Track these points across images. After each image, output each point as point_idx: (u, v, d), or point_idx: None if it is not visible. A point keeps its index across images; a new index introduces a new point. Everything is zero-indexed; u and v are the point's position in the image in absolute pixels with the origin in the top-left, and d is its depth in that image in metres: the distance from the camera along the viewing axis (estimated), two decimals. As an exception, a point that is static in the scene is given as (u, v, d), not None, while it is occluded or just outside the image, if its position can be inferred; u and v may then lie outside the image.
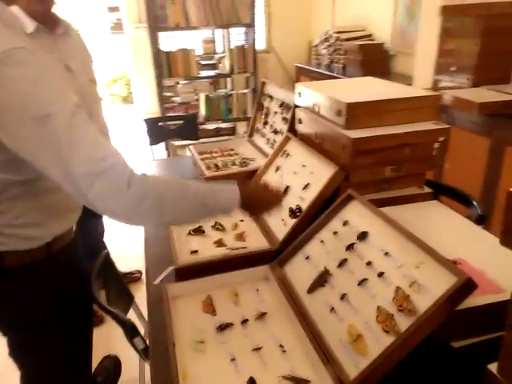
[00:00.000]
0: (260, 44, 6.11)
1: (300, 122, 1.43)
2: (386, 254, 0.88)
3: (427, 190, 1.25)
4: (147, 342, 0.99)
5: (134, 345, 0.99)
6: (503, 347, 0.59)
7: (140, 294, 1.42)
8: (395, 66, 4.28)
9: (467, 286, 0.70)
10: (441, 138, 1.13)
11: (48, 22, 1.66)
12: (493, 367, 0.61)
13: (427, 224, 1.06)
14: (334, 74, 4.47)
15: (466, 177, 2.52)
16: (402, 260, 0.84)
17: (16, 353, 1.09)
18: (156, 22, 3.32)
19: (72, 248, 1.12)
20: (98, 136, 0.80)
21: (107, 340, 1.90)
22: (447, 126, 1.12)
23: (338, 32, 4.67)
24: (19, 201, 0.94)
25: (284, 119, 1.64)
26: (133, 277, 2.37)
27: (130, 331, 0.97)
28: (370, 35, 4.60)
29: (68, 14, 10.05)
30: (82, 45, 1.86)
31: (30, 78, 0.77)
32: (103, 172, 0.76)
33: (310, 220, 1.13)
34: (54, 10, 1.78)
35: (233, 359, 0.83)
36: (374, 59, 4.14)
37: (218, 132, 4.33)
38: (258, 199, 1.02)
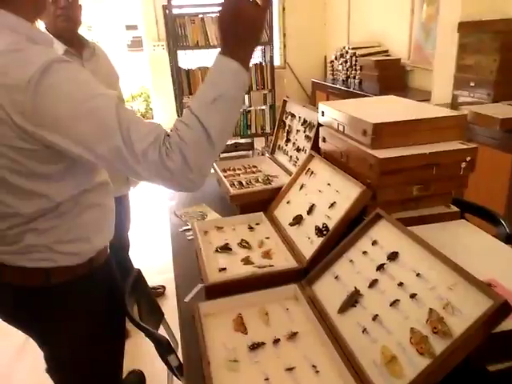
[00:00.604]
0: (276, 60, 6.20)
1: (324, 140, 1.46)
2: (418, 274, 0.88)
3: (454, 209, 1.25)
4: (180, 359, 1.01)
5: (167, 362, 1.01)
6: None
7: (165, 309, 1.44)
8: (412, 81, 4.29)
9: (503, 309, 0.70)
10: (468, 158, 1.13)
11: (76, 45, 1.76)
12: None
13: (456, 244, 1.06)
14: (351, 90, 4.50)
15: (489, 193, 2.50)
16: (434, 281, 0.84)
17: (53, 369, 1.12)
18: (176, 41, 3.41)
19: (109, 263, 1.15)
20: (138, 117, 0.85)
21: (132, 355, 1.92)
22: (474, 146, 1.13)
23: (354, 48, 4.70)
24: (67, 217, 0.97)
25: (307, 137, 1.66)
26: (157, 292, 2.40)
27: (166, 349, 0.99)
28: (386, 51, 4.63)
29: (88, 33, 10.36)
30: (108, 64, 1.95)
31: (71, 78, 0.82)
32: (155, 141, 0.81)
33: (337, 239, 1.15)
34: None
35: (266, 379, 0.84)
36: (390, 74, 4.16)
37: (236, 147, 4.38)
38: (248, 29, 0.86)
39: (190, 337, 0.96)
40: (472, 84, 3.00)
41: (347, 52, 4.81)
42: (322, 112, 1.48)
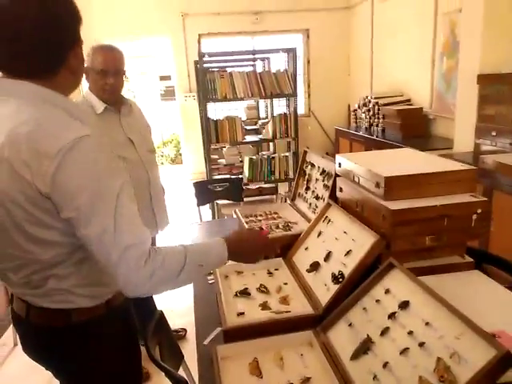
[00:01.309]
0: (300, 109, 6.42)
1: (341, 190, 1.53)
2: (427, 323, 0.91)
3: (468, 259, 1.28)
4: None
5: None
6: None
7: (185, 351, 1.48)
8: (435, 129, 4.36)
9: (506, 359, 0.73)
10: (479, 210, 1.17)
11: (115, 103, 1.97)
12: None
13: (467, 294, 1.08)
14: (374, 137, 4.60)
15: (515, 242, 2.47)
16: (442, 331, 0.87)
17: None
18: (206, 94, 3.63)
19: (127, 304, 1.22)
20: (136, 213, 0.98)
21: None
22: (484, 199, 1.17)
23: (377, 97, 4.85)
24: (86, 263, 1.05)
25: (325, 186, 1.74)
26: (178, 335, 2.43)
27: (183, 389, 1.04)
28: (408, 100, 4.75)
29: (124, 83, 11.06)
30: (142, 119, 2.16)
31: (91, 169, 0.93)
32: (133, 246, 0.93)
33: (352, 286, 1.19)
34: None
35: (279, 423, 0.87)
36: (413, 123, 4.25)
37: (260, 192, 4.49)
38: (246, 248, 1.16)
39: (208, 378, 1.00)
40: (494, 133, 3.04)
41: (370, 101, 4.96)
42: (339, 163, 1.56)
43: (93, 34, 6.06)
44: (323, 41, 6.37)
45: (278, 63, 4.43)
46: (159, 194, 2.17)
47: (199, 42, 6.29)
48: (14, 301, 1.16)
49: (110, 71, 1.92)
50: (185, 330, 2.51)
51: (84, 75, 1.77)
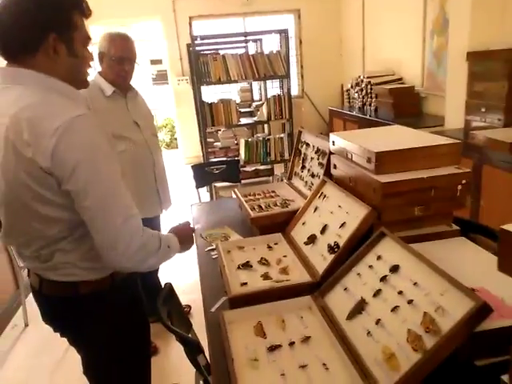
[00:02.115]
0: (293, 90, 6.45)
1: (335, 167, 1.61)
2: (415, 283, 1.01)
3: (455, 227, 1.37)
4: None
5: (196, 362, 1.14)
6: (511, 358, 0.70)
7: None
8: (427, 107, 4.43)
9: (483, 309, 0.82)
10: (463, 181, 1.26)
11: (122, 88, 2.09)
12: (505, 377, 0.72)
13: (453, 257, 1.18)
14: (367, 117, 4.66)
15: (503, 214, 2.57)
16: (428, 289, 0.97)
17: (87, 371, 1.32)
18: (199, 77, 3.67)
19: (132, 278, 1.32)
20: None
21: (160, 371, 2.05)
22: (468, 170, 1.26)
23: (369, 77, 4.89)
24: (85, 239, 1.13)
25: (320, 164, 1.82)
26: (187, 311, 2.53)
27: (195, 349, 1.13)
28: (400, 79, 4.80)
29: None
30: (145, 105, 2.30)
31: (87, 144, 1.02)
32: (135, 215, 1.09)
33: (347, 255, 1.28)
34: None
35: (282, 374, 0.97)
36: (404, 101, 4.32)
37: (256, 173, 4.56)
38: (185, 238, 1.33)
39: (216, 341, 1.10)
40: (483, 109, 3.11)
41: (362, 81, 5.01)
42: (333, 141, 1.63)
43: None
44: (314, 21, 6.36)
45: (271, 44, 4.45)
46: (163, 175, 2.28)
47: (190, 25, 6.26)
48: (30, 275, 1.25)
49: (126, 58, 2.03)
50: (189, 306, 2.61)
51: (98, 59, 1.98)
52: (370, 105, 4.83)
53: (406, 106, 4.31)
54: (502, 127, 2.93)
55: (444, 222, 1.37)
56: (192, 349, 1.13)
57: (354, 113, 5.03)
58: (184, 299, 2.60)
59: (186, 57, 5.48)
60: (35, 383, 2.17)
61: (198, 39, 4.04)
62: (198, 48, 4.04)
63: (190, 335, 1.37)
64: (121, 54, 2.02)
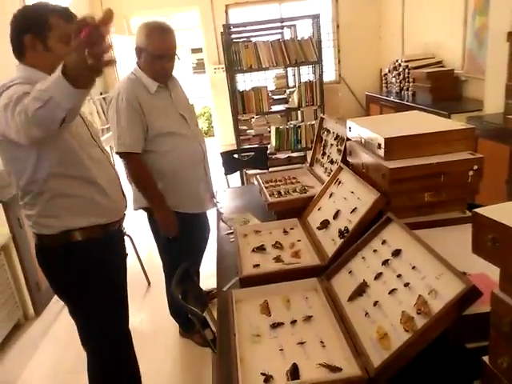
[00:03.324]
0: (330, 75, 6.36)
1: (350, 153, 1.62)
2: (414, 267, 1.02)
3: (468, 214, 1.35)
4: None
5: (205, 335, 1.22)
6: (490, 341, 0.72)
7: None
8: (467, 91, 4.25)
9: (472, 292, 0.83)
10: (475, 167, 1.24)
11: (163, 81, 2.03)
12: (486, 358, 0.74)
13: (460, 243, 1.17)
14: (404, 102, 4.54)
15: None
16: (425, 272, 0.98)
17: (71, 311, 1.60)
18: (232, 66, 3.72)
19: (120, 235, 1.65)
20: None
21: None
22: (480, 156, 1.23)
23: (408, 60, 4.75)
24: (42, 198, 1.42)
25: (339, 151, 1.83)
26: (213, 294, 2.55)
27: (202, 323, 1.21)
28: (440, 61, 4.62)
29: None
30: (183, 92, 2.18)
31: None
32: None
33: (355, 239, 1.30)
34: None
35: (281, 349, 1.02)
36: (443, 85, 4.16)
37: (289, 160, 4.58)
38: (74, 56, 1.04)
39: (223, 317, 1.17)
40: (524, 92, 2.96)
41: (400, 65, 4.86)
42: (350, 128, 1.64)
43: (122, 10, 6.23)
44: (352, 4, 6.21)
45: (306, 30, 4.41)
46: (210, 167, 2.22)
47: (227, 13, 6.30)
48: None
49: (166, 56, 1.90)
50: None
51: (135, 53, 1.97)
52: (408, 89, 4.69)
53: (444, 90, 4.16)
54: (544, 111, 2.78)
55: (457, 208, 1.36)
56: (200, 323, 1.21)
57: (392, 98, 4.91)
58: (210, 282, 2.73)
59: (221, 45, 5.54)
60: (72, 357, 2.35)
61: (231, 27, 4.09)
62: (233, 36, 4.09)
63: (205, 313, 1.46)
64: (160, 52, 1.87)
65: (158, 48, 1.89)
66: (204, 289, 2.40)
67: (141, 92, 1.94)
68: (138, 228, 2.49)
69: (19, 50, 1.40)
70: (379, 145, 1.32)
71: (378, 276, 1.10)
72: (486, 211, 0.63)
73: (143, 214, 2.18)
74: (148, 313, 2.67)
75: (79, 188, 1.46)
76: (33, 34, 1.36)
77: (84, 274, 1.52)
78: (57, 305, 2.88)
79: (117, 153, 1.98)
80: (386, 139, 1.27)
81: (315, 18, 3.84)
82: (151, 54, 1.89)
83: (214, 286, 2.68)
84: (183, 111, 2.04)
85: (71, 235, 1.47)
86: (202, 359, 2.22)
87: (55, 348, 2.49)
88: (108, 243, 1.57)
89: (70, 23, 1.38)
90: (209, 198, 2.17)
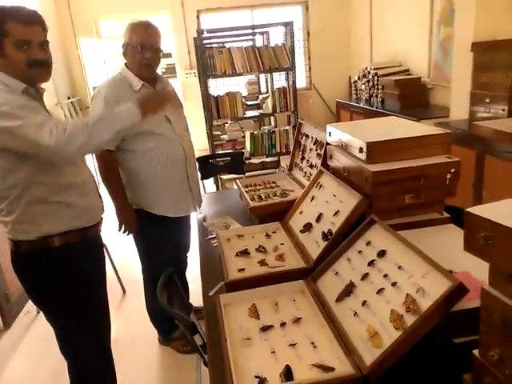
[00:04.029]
0: (301, 82, 6.45)
1: (331, 157, 1.65)
2: (400, 267, 1.05)
3: (446, 215, 1.41)
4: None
5: (194, 341, 1.21)
6: (480, 335, 0.75)
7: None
8: (433, 98, 4.41)
9: (459, 289, 0.87)
10: (452, 170, 1.30)
11: (150, 80, 2.01)
12: (476, 352, 0.77)
13: (441, 243, 1.22)
14: (374, 108, 4.67)
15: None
16: (411, 271, 1.02)
17: (52, 319, 1.56)
18: (205, 71, 3.71)
19: (98, 240, 1.64)
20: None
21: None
22: (457, 160, 1.29)
23: (376, 68, 4.89)
24: (19, 205, 1.39)
25: (318, 155, 1.86)
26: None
27: (191, 329, 1.20)
28: (407, 70, 4.78)
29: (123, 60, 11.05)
30: (177, 97, 2.17)
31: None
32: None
33: (339, 241, 1.32)
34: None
35: (273, 352, 1.03)
36: (411, 93, 4.31)
37: (263, 165, 4.60)
38: (151, 101, 1.55)
39: (213, 322, 1.16)
40: (487, 100, 3.11)
41: (369, 72, 5.00)
42: (329, 133, 1.68)
43: (91, 13, 6.11)
44: (322, 12, 6.34)
45: (278, 37, 4.47)
46: (195, 172, 2.19)
47: (198, 18, 6.29)
48: None
49: (147, 46, 1.94)
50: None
51: (122, 52, 2.00)
52: (377, 96, 4.83)
53: (412, 97, 4.30)
54: (506, 117, 2.92)
55: (435, 209, 1.41)
56: (188, 329, 1.20)
57: (361, 104, 5.04)
58: (193, 287, 2.70)
59: (193, 50, 5.52)
60: (46, 369, 2.27)
61: (205, 32, 4.08)
62: (205, 41, 4.08)
63: (190, 317, 1.44)
64: (141, 41, 1.92)
65: (140, 38, 1.93)
66: (195, 306, 2.36)
67: (123, 89, 1.94)
68: (111, 235, 2.44)
69: None
70: (361, 149, 1.36)
71: (365, 276, 1.13)
72: (478, 210, 0.66)
73: (115, 220, 2.14)
74: (125, 321, 2.61)
75: (56, 193, 1.43)
76: None
77: (61, 281, 1.48)
78: (27, 316, 2.76)
79: None
80: (368, 143, 1.31)
81: (288, 25, 3.89)
82: (134, 45, 1.93)
83: (198, 290, 2.68)
84: (169, 114, 2.01)
85: (49, 241, 1.43)
86: (183, 366, 2.19)
87: (27, 361, 2.38)
88: (86, 248, 1.54)
89: (29, 27, 1.36)
90: (189, 202, 2.14)
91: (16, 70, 1.36)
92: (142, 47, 1.93)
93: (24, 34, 1.35)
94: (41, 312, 2.72)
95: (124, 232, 2.06)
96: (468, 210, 0.67)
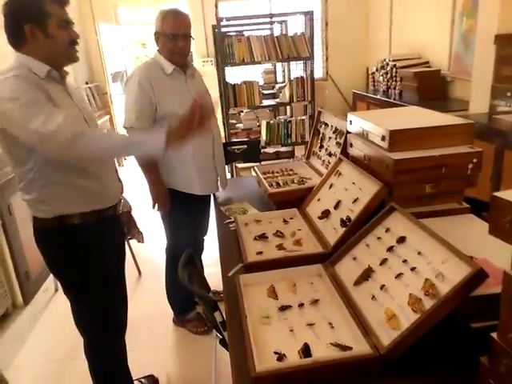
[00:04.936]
0: (317, 72, 6.40)
1: (351, 145, 1.66)
2: (419, 253, 1.07)
3: (465, 205, 1.41)
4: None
5: (214, 318, 1.24)
6: (501, 317, 0.77)
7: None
8: (453, 91, 4.36)
9: (479, 275, 0.88)
10: (474, 160, 1.30)
11: (181, 65, 2.08)
12: (494, 334, 0.79)
13: (459, 232, 1.23)
14: (391, 100, 4.62)
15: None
16: (431, 257, 1.03)
17: (66, 291, 1.61)
18: (223, 58, 3.72)
19: (115, 221, 1.65)
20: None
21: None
22: (479, 150, 1.29)
23: (395, 60, 4.83)
24: (35, 186, 1.43)
25: (337, 143, 1.87)
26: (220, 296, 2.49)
27: (213, 306, 1.23)
28: (426, 62, 4.72)
29: (142, 50, 11.09)
30: (203, 84, 2.28)
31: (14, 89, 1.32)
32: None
33: (358, 228, 1.34)
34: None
35: (291, 330, 1.06)
36: (430, 85, 4.26)
37: (277, 155, 4.61)
38: (183, 131, 1.39)
39: (232, 300, 1.19)
40: (509, 94, 3.06)
41: (388, 64, 4.95)
42: (350, 121, 1.68)
43: (110, 1, 6.13)
44: (341, 2, 6.26)
45: (296, 26, 4.44)
46: (221, 153, 2.25)
47: (216, 6, 6.26)
48: None
49: (179, 35, 2.00)
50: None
51: (154, 39, 2.06)
52: (395, 88, 4.78)
53: (430, 89, 4.25)
54: (528, 112, 2.89)
55: (455, 199, 1.41)
56: (209, 306, 1.23)
57: (378, 96, 4.99)
58: (209, 272, 2.73)
59: (210, 38, 5.52)
60: (64, 345, 2.34)
61: (224, 21, 4.07)
62: (223, 29, 4.08)
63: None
64: (174, 30, 1.97)
65: (171, 27, 1.98)
66: (212, 289, 2.38)
67: (155, 73, 2.02)
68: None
69: (18, 39, 1.38)
70: (383, 137, 1.37)
71: (384, 262, 1.14)
72: (506, 195, 0.67)
73: (132, 204, 2.19)
74: (140, 302, 2.66)
75: (72, 176, 1.46)
76: (32, 22, 1.34)
77: (75, 255, 1.53)
78: (46, 294, 2.85)
79: (124, 127, 2.06)
80: (390, 131, 1.32)
81: (308, 14, 3.86)
82: (166, 34, 1.99)
83: (214, 274, 2.72)
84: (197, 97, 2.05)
85: (64, 219, 1.48)
86: (197, 347, 2.24)
87: (46, 336, 2.46)
88: (101, 228, 1.57)
89: (63, 7, 1.40)
90: (214, 181, 2.20)
91: (59, 50, 1.39)
92: (174, 36, 1.99)
93: (62, 14, 1.39)
94: (59, 290, 2.84)
95: (158, 210, 2.13)
96: (495, 194, 0.68)
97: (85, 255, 1.54)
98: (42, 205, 1.46)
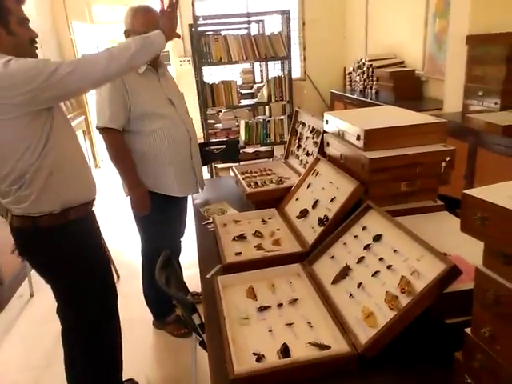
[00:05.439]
0: (295, 72, 6.44)
1: (328, 145, 1.67)
2: (395, 251, 1.08)
3: (439, 203, 1.44)
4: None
5: (192, 320, 1.23)
6: (473, 313, 0.78)
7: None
8: (427, 91, 4.45)
9: (453, 271, 0.90)
10: (447, 158, 1.32)
11: (154, 64, 2.04)
12: (468, 330, 0.80)
13: (434, 229, 1.25)
14: (368, 100, 4.68)
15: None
16: (406, 255, 1.04)
17: (66, 291, 1.60)
18: (201, 58, 3.69)
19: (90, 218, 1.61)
20: None
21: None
22: (452, 148, 1.32)
23: (371, 60, 4.90)
24: (43, 172, 1.41)
25: (315, 143, 1.88)
26: (199, 298, 2.35)
27: (190, 308, 1.22)
28: (402, 62, 4.80)
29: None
30: (174, 82, 2.24)
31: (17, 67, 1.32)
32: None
33: (335, 227, 1.35)
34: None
35: (270, 331, 1.05)
36: (405, 85, 4.34)
37: (257, 155, 4.61)
38: (168, 22, 1.67)
39: (210, 302, 1.18)
40: (481, 93, 3.15)
41: (364, 64, 5.01)
42: (327, 121, 1.69)
43: (84, -2, 6.01)
44: (318, 2, 6.31)
45: (273, 26, 4.45)
46: (198, 153, 2.23)
47: (193, 5, 6.21)
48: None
49: (149, 32, 1.89)
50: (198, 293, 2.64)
51: (124, 37, 2.01)
52: (371, 88, 4.85)
53: (406, 89, 4.33)
54: (499, 111, 2.97)
55: (429, 197, 1.44)
56: (187, 309, 1.22)
57: (355, 96, 5.05)
58: (185, 274, 2.71)
59: (187, 37, 5.47)
60: (40, 351, 2.28)
61: (201, 19, 4.04)
62: (200, 28, 4.05)
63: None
64: (145, 27, 1.88)
65: (142, 24, 1.94)
66: (191, 291, 2.36)
67: (128, 74, 1.94)
68: (104, 220, 2.44)
69: None
70: (358, 136, 1.38)
71: (361, 260, 1.16)
72: (476, 192, 0.69)
73: (109, 206, 2.15)
74: (119, 306, 2.61)
75: (73, 162, 1.51)
76: None
77: (75, 255, 1.54)
78: (20, 300, 2.77)
79: (96, 128, 2.01)
80: (365, 131, 1.33)
81: (285, 13, 3.88)
82: (137, 31, 1.91)
83: (193, 276, 2.70)
84: (171, 96, 2.04)
85: (67, 214, 1.48)
86: (177, 349, 2.22)
87: (21, 343, 2.39)
88: (90, 223, 1.60)
89: (21, 3, 1.40)
90: (193, 183, 2.18)
91: (22, 47, 1.38)
92: (145, 33, 1.87)
93: (20, 11, 1.39)
94: (34, 296, 2.77)
95: (138, 213, 2.11)
96: (465, 191, 0.70)
97: (82, 253, 1.55)
98: (49, 195, 1.43)
